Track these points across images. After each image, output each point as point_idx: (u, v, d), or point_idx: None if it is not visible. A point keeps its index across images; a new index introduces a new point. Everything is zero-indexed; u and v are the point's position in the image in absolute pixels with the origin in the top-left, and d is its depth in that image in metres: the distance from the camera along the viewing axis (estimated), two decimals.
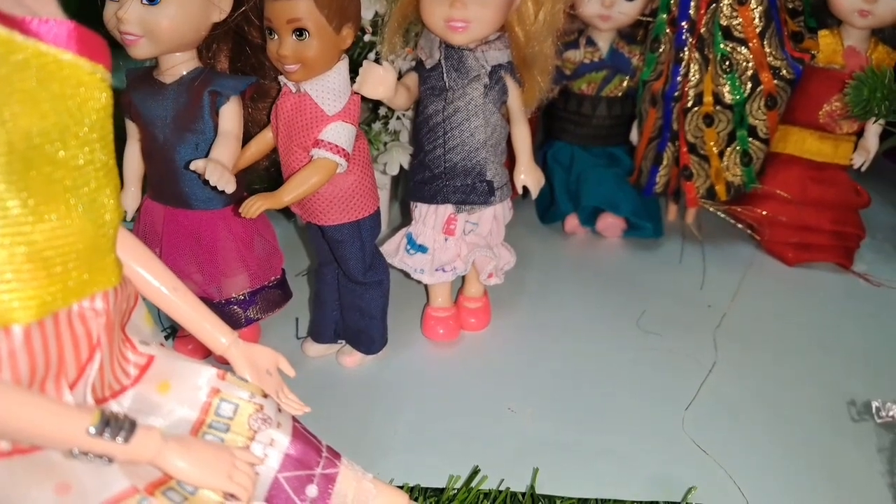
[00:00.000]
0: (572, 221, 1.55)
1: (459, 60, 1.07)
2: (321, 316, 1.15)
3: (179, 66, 0.99)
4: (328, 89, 0.97)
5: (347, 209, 1.03)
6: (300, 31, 0.93)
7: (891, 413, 0.67)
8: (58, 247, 0.53)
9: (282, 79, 1.00)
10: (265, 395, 0.69)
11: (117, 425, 0.53)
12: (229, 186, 0.92)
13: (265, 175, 1.17)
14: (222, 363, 0.75)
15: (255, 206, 0.94)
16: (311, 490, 0.66)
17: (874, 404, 0.69)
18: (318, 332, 1.16)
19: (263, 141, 1.05)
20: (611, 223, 1.52)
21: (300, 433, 0.68)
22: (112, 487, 0.54)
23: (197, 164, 0.92)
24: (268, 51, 0.97)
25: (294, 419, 0.70)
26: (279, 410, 0.69)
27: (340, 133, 0.97)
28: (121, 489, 0.54)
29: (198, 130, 1.00)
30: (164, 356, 0.67)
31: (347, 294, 1.11)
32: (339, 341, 1.17)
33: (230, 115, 1.00)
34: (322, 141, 0.96)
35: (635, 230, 1.53)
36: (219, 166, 0.92)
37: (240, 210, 0.94)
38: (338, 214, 1.03)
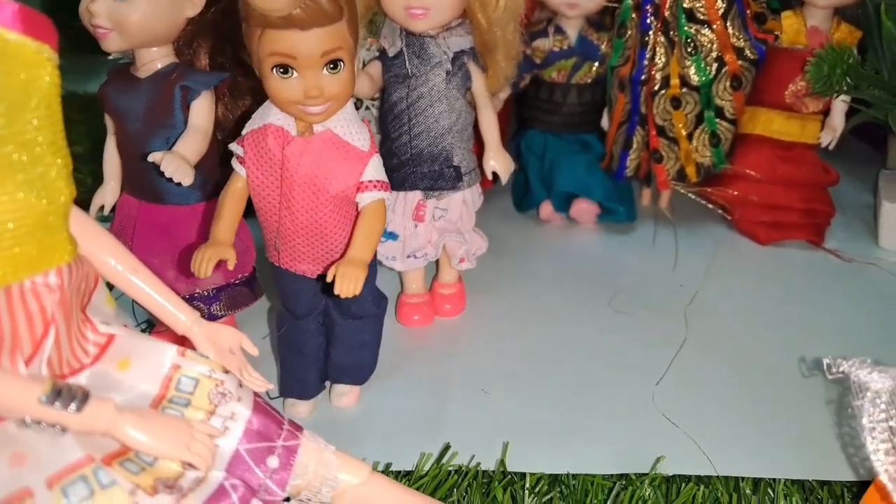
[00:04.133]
0: (546, 208, 1.56)
1: (421, 47, 1.08)
2: (304, 370, 1.01)
3: (155, 61, 1.01)
4: (351, 121, 0.86)
5: None
6: (335, 63, 0.80)
7: (841, 369, 0.68)
8: (5, 221, 0.54)
9: (274, 119, 0.85)
10: (226, 371, 0.70)
11: (69, 395, 0.54)
12: (186, 179, 0.92)
13: None
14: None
15: (353, 282, 0.80)
16: (273, 461, 0.67)
17: (825, 361, 0.70)
18: (304, 390, 1.02)
19: (238, 199, 0.89)
20: (584, 209, 1.54)
21: (261, 407, 0.69)
22: (67, 457, 0.55)
23: (154, 156, 0.92)
24: (274, 92, 0.81)
25: (256, 394, 0.71)
26: (240, 385, 0.70)
27: (380, 167, 0.87)
28: (76, 459, 0.55)
29: (169, 125, 1.01)
30: (125, 335, 0.68)
31: (345, 333, 1.00)
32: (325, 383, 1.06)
33: (200, 110, 1.01)
34: (369, 182, 0.86)
35: (609, 215, 1.55)
36: (176, 158, 0.92)
37: (337, 293, 0.80)
38: None
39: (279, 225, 0.89)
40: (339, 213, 0.88)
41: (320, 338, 1.00)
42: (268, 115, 0.85)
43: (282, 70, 0.79)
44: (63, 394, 0.54)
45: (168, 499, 0.57)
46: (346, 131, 0.85)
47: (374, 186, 0.86)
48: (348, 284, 0.80)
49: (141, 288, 0.71)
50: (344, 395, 1.04)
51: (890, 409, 0.64)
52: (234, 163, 0.89)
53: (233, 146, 0.89)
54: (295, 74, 0.79)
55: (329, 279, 0.81)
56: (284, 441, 0.68)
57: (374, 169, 0.86)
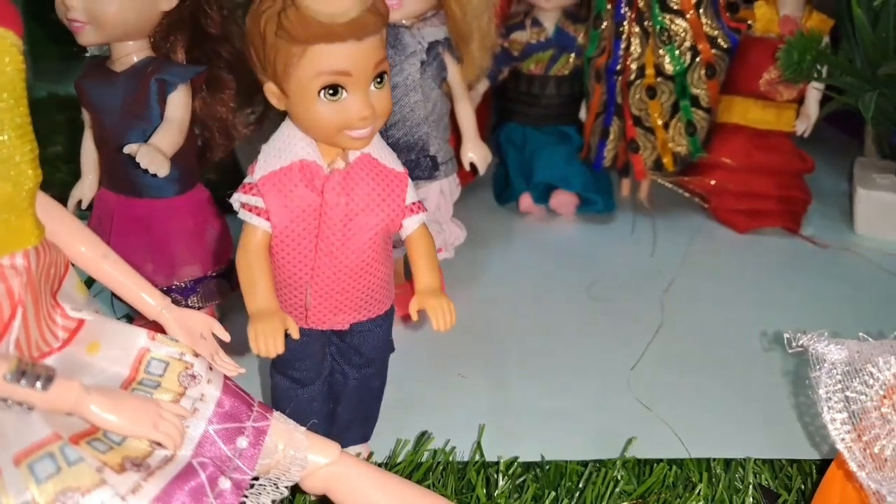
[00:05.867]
0: (526, 200, 1.57)
1: (395, 37, 1.10)
2: None
3: (131, 54, 1.02)
4: (382, 141, 0.79)
5: (391, 279, 0.85)
6: (382, 76, 0.72)
7: (800, 342, 0.69)
8: None
9: (303, 153, 0.74)
10: (196, 355, 0.70)
11: (33, 373, 0.55)
12: (162, 170, 0.93)
13: (219, 165, 1.19)
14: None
15: (448, 313, 0.76)
16: (242, 442, 0.67)
17: (786, 336, 0.72)
18: None
19: (264, 255, 0.77)
20: (563, 200, 1.55)
21: (231, 389, 0.70)
22: (34, 435, 0.56)
23: (130, 148, 0.93)
24: (319, 119, 0.71)
25: (226, 377, 0.72)
26: (210, 369, 0.70)
27: (413, 187, 0.80)
28: (43, 436, 0.56)
29: (145, 118, 1.02)
30: (95, 320, 0.69)
31: (359, 385, 0.90)
32: None
33: (176, 104, 1.02)
34: (413, 205, 0.79)
35: (588, 206, 1.56)
36: (151, 150, 0.93)
37: (437, 329, 0.76)
38: (390, 290, 0.85)
39: (312, 276, 0.78)
40: (384, 246, 0.80)
41: (330, 402, 0.90)
42: (292, 150, 0.74)
43: (331, 92, 0.70)
44: (28, 372, 0.55)
45: (135, 476, 0.58)
46: (381, 154, 0.77)
47: (418, 209, 0.79)
48: (445, 317, 0.75)
49: (111, 273, 0.72)
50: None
51: (846, 379, 0.65)
52: (246, 215, 0.75)
53: (242, 198, 0.75)
54: (345, 95, 0.70)
55: (415, 318, 0.77)
56: (254, 422, 0.69)
57: (412, 190, 0.79)
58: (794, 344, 0.71)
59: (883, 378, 0.63)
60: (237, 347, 0.77)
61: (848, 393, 0.65)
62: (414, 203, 0.79)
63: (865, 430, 0.64)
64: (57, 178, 1.51)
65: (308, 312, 0.81)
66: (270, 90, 0.74)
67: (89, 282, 1.24)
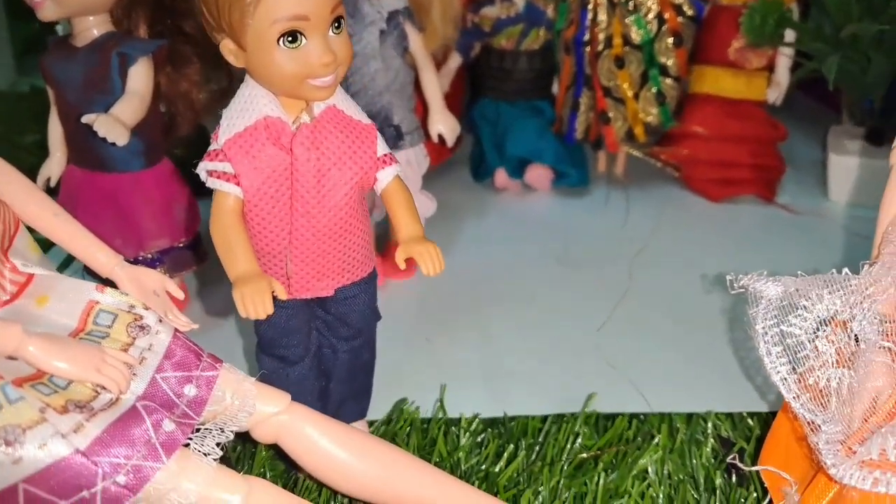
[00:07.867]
0: (501, 175, 1.58)
1: (354, 7, 1.10)
2: None
3: (91, 29, 1.03)
4: (345, 93, 0.78)
5: (371, 239, 0.85)
6: (339, 21, 0.71)
7: (742, 283, 0.70)
8: None
9: (267, 109, 0.72)
10: (147, 308, 0.72)
11: None
12: (120, 139, 0.94)
13: (185, 140, 1.20)
14: None
15: (435, 258, 0.75)
16: (190, 389, 0.68)
17: (728, 278, 0.73)
18: None
19: (239, 220, 0.74)
20: (538, 173, 1.56)
21: (180, 339, 0.71)
22: None
23: (89, 117, 0.93)
24: (280, 69, 0.70)
25: (176, 329, 0.73)
26: (160, 321, 0.72)
27: (382, 138, 0.79)
28: None
29: (107, 91, 1.03)
30: (45, 275, 0.70)
31: (349, 358, 0.88)
32: None
33: (137, 76, 1.03)
34: (385, 157, 0.78)
35: (562, 179, 1.57)
36: (109, 119, 0.93)
37: (426, 273, 0.75)
38: (371, 252, 0.84)
39: (290, 241, 0.76)
40: (360, 202, 0.78)
41: (321, 380, 0.88)
42: (255, 107, 0.73)
43: (290, 39, 0.69)
44: None
45: (78, 417, 0.59)
46: (347, 105, 0.76)
47: (391, 160, 0.78)
48: (434, 262, 0.74)
49: (62, 230, 0.73)
50: None
51: (781, 314, 0.66)
52: (215, 183, 0.73)
53: (209, 165, 0.74)
54: (304, 41, 0.69)
55: (402, 266, 0.76)
56: (203, 371, 0.70)
57: (382, 142, 0.78)
58: (735, 285, 0.72)
59: (816, 311, 0.64)
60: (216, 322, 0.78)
61: (783, 327, 0.65)
62: (385, 154, 0.78)
63: (800, 362, 0.64)
64: (32, 161, 1.53)
65: (290, 281, 0.78)
66: (227, 47, 0.72)
67: (63, 265, 1.25)
